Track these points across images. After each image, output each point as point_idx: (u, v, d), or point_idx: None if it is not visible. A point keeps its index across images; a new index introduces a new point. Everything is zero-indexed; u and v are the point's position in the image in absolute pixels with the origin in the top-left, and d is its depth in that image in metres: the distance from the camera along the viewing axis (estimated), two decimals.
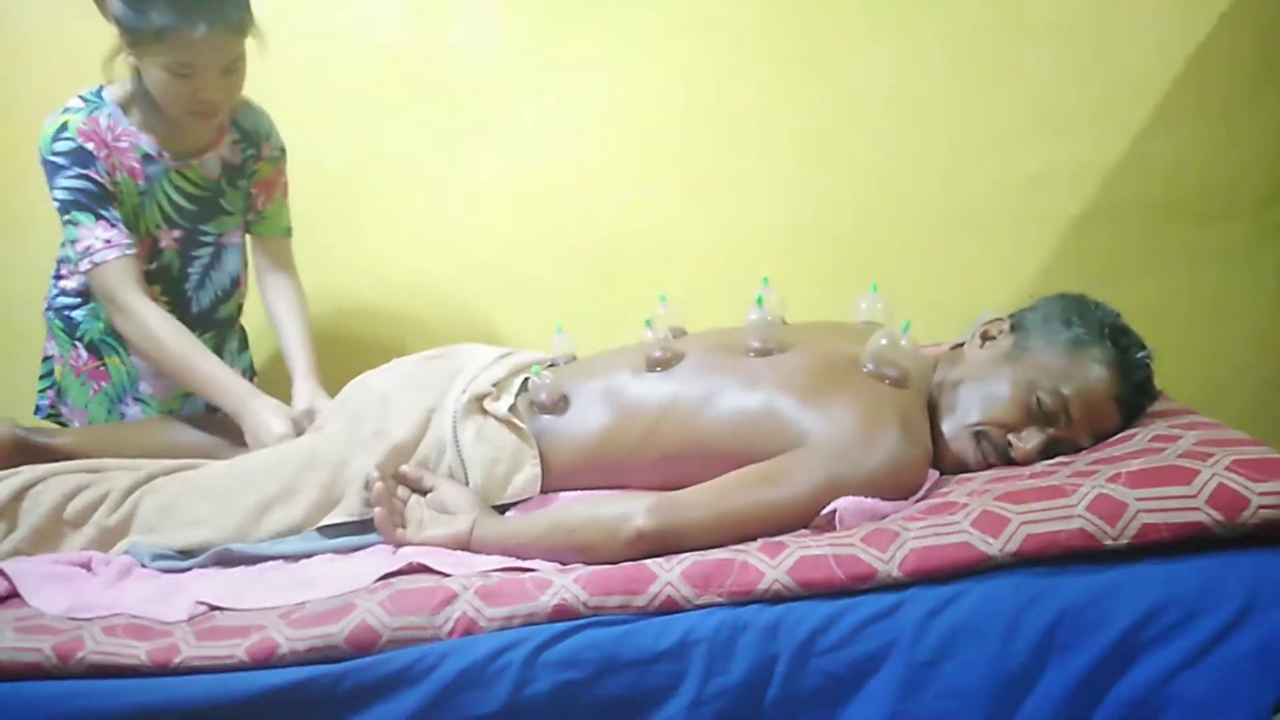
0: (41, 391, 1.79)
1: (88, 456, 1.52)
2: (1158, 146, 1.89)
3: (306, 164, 1.99)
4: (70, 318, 1.72)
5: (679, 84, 2.00)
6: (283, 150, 1.77)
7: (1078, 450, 1.26)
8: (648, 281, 1.90)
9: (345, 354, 2.03)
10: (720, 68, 1.98)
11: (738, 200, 2.02)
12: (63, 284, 1.73)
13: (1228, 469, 1.04)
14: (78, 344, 1.73)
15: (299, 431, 1.49)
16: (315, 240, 2.04)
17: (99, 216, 1.56)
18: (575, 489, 1.39)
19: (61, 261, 1.73)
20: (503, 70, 2.02)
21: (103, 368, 1.73)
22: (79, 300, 1.71)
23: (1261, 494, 1.02)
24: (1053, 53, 1.89)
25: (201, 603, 1.19)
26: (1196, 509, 1.02)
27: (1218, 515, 1.02)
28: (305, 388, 1.63)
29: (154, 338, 1.56)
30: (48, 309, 1.76)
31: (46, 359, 1.79)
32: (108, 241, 1.56)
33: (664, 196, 2.03)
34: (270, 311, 1.76)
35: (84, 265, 1.57)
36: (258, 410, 1.50)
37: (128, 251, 1.57)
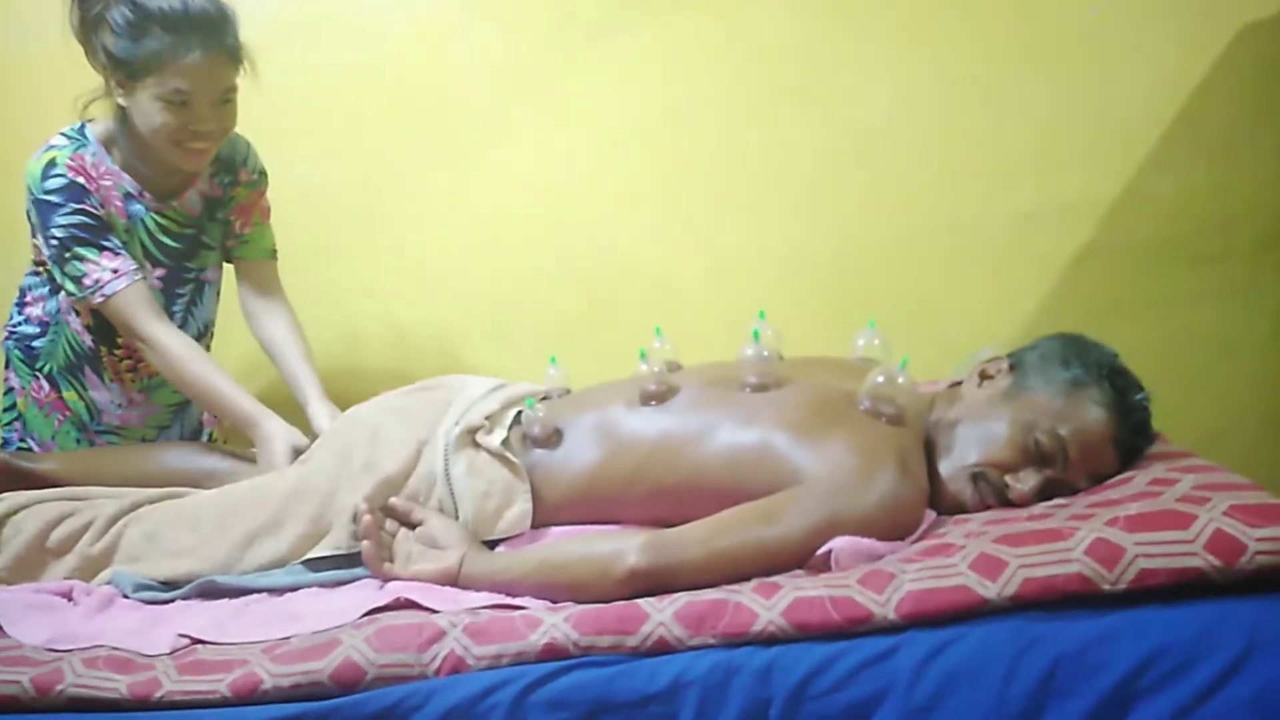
0: (7, 425, 1.76)
1: (72, 483, 1.51)
2: (1156, 185, 1.90)
3: (300, 190, 1.99)
4: (31, 348, 1.70)
5: (678, 115, 2.00)
6: (262, 174, 1.75)
7: (1075, 492, 1.25)
8: (644, 314, 1.90)
9: (335, 384, 2.02)
10: (720, 99, 1.99)
11: (735, 233, 2.02)
12: (27, 311, 1.71)
13: (1225, 514, 1.03)
14: (38, 375, 1.71)
15: None
16: (306, 267, 2.03)
17: (102, 248, 1.56)
18: (568, 524, 1.37)
19: (25, 289, 1.72)
20: (500, 98, 2.02)
21: (62, 400, 1.71)
22: (39, 329, 1.69)
23: (1259, 540, 1.01)
24: (1053, 89, 1.90)
25: (184, 635, 1.17)
26: (1194, 554, 1.01)
27: (1215, 561, 1.01)
28: (323, 410, 1.60)
29: (177, 364, 1.56)
30: (8, 337, 1.73)
31: (9, 390, 1.76)
32: (115, 271, 1.55)
33: (661, 228, 2.03)
34: (266, 338, 1.74)
35: (96, 299, 1.56)
36: (269, 436, 1.50)
37: (137, 278, 1.57)
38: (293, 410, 1.61)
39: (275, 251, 1.79)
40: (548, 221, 2.05)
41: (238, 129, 1.64)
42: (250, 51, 1.56)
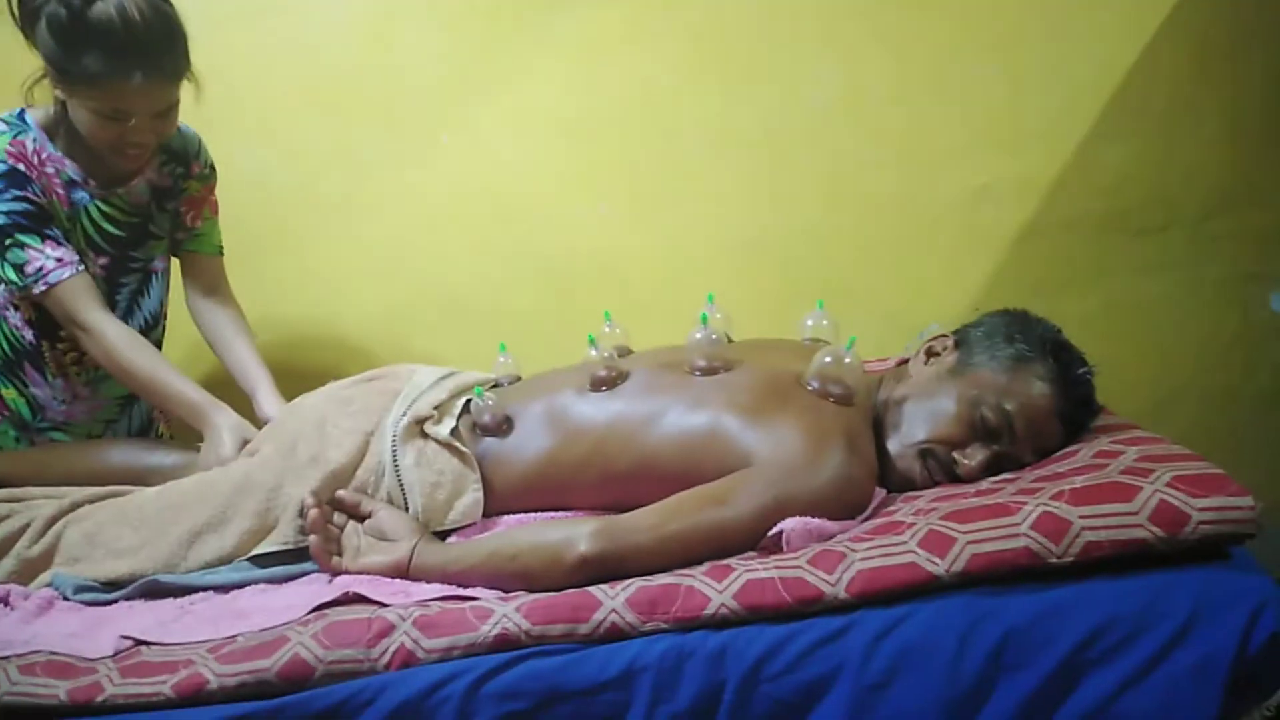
0: None
1: (12, 483, 1.47)
2: (1099, 160, 1.92)
3: (249, 183, 1.97)
4: None
5: (626, 99, 1.99)
6: (212, 169, 1.72)
7: (1021, 466, 1.26)
8: (594, 299, 1.89)
9: (285, 375, 1.98)
10: (668, 83, 1.98)
11: (684, 216, 2.01)
12: None
13: (1168, 485, 1.04)
14: None
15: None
16: (256, 260, 2.01)
17: (45, 236, 1.52)
18: (520, 512, 1.36)
19: None
20: (447, 87, 2.00)
21: (1, 398, 1.66)
22: None
23: (1201, 510, 1.02)
24: (998, 70, 1.91)
25: (127, 637, 1.14)
26: (1138, 525, 1.03)
27: (1159, 531, 1.02)
28: (273, 402, 1.58)
29: (118, 355, 1.52)
30: None
31: None
32: (59, 260, 1.51)
33: (611, 213, 2.01)
34: (212, 333, 1.71)
35: (38, 288, 1.51)
36: (218, 427, 1.48)
37: (80, 268, 1.53)
38: (239, 401, 1.58)
39: (222, 249, 1.77)
40: (496, 208, 2.03)
41: (187, 121, 1.60)
42: (195, 69, 1.51)
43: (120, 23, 1.39)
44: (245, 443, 1.46)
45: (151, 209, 1.66)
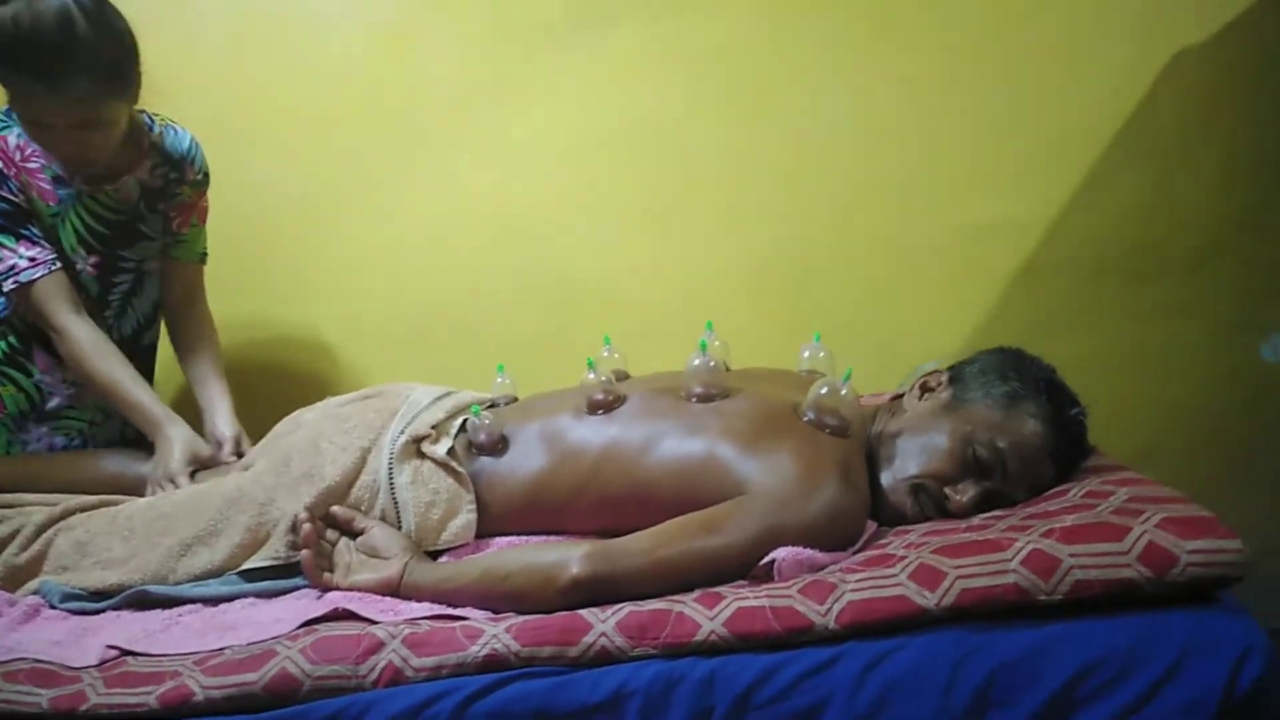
0: None
1: (3, 489, 1.46)
2: (1096, 203, 1.94)
3: (255, 195, 1.99)
4: None
5: (634, 122, 2.00)
6: (206, 175, 1.72)
7: (1013, 504, 1.27)
8: (595, 323, 1.89)
9: (285, 388, 1.99)
10: (676, 108, 1.99)
11: (687, 243, 2.02)
12: None
13: (1158, 526, 1.05)
14: None
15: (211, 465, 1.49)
16: (260, 271, 2.03)
17: (19, 236, 1.52)
18: (513, 533, 1.36)
19: None
20: (455, 106, 2.01)
21: None
22: None
23: (1190, 552, 1.02)
24: (999, 110, 1.93)
25: (113, 647, 1.14)
26: (1128, 565, 1.03)
27: (1148, 572, 1.02)
28: (229, 423, 1.60)
29: (84, 359, 1.53)
30: None
31: None
32: (33, 260, 1.52)
33: (613, 237, 2.02)
34: (180, 342, 1.72)
35: (8, 285, 1.52)
36: (169, 440, 1.49)
37: (54, 267, 1.53)
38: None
39: (204, 256, 1.77)
40: (499, 229, 2.04)
41: (188, 127, 1.60)
42: (125, 74, 1.45)
43: (27, 30, 1.36)
44: (195, 458, 1.49)
45: (141, 209, 1.66)
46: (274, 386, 2.04)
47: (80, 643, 1.14)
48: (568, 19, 1.97)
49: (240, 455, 1.56)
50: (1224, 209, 1.92)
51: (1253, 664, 0.99)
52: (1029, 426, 1.28)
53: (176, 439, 1.49)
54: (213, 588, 1.27)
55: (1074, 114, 1.92)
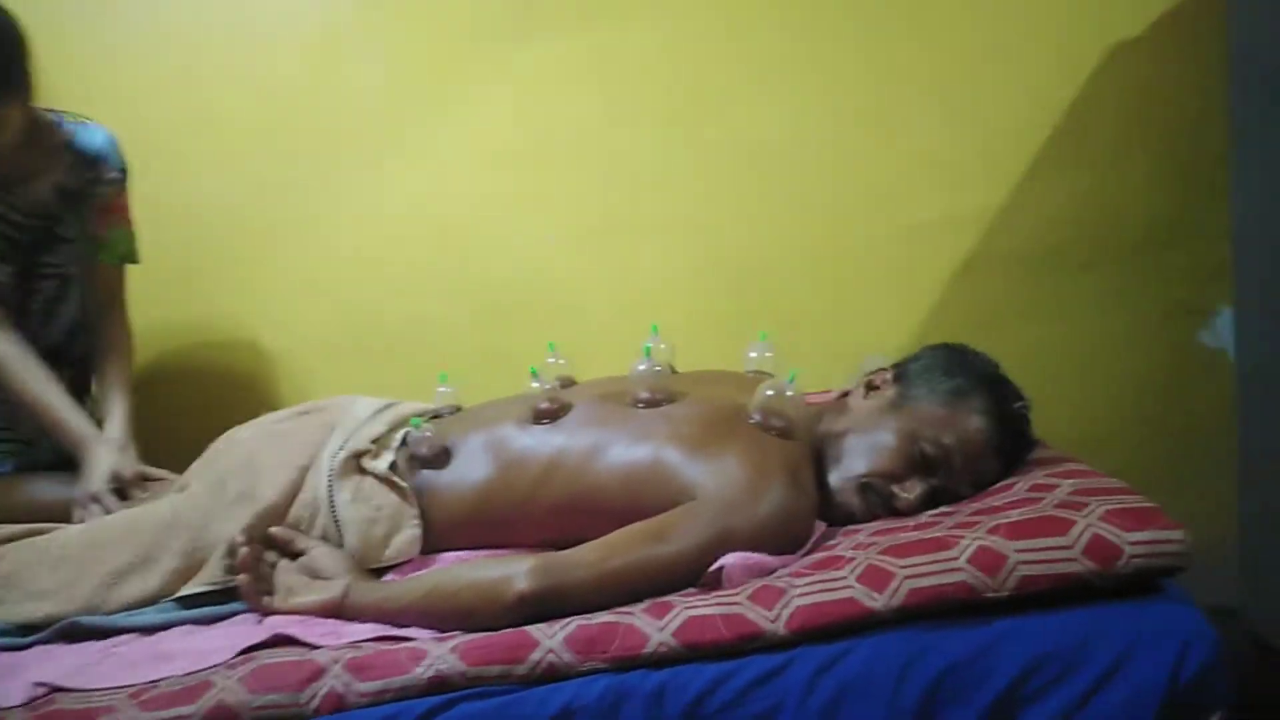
0: None
1: None
2: (1036, 196, 1.95)
3: (190, 206, 1.95)
4: None
5: (570, 130, 1.99)
6: (123, 171, 1.66)
7: (959, 499, 1.27)
8: (540, 329, 1.87)
9: (218, 404, 1.94)
10: (613, 115, 1.98)
11: (630, 247, 2.01)
12: None
13: (1102, 519, 1.05)
14: None
15: (124, 490, 1.46)
16: (195, 285, 1.99)
17: None
18: (459, 548, 1.33)
19: None
20: (393, 112, 1.99)
21: None
22: None
23: (1134, 544, 1.03)
24: (938, 109, 1.95)
25: (41, 684, 1.09)
26: (1073, 559, 1.03)
27: (1093, 566, 1.03)
28: (118, 432, 1.55)
29: (7, 375, 1.49)
30: None
31: None
32: None
33: (555, 243, 2.01)
34: (98, 348, 1.67)
35: None
36: (95, 458, 1.47)
37: None
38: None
39: (126, 258, 1.70)
40: (440, 237, 2.02)
41: (106, 123, 1.54)
42: (8, 73, 1.41)
43: None
44: (117, 476, 1.46)
45: (59, 212, 1.60)
46: (212, 396, 2.00)
47: (4, 682, 1.09)
48: (505, 28, 1.96)
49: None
50: (1162, 198, 1.95)
51: (1196, 652, 1.00)
52: (973, 422, 1.28)
53: (100, 459, 1.46)
54: (149, 616, 1.24)
55: (1010, 113, 1.93)
